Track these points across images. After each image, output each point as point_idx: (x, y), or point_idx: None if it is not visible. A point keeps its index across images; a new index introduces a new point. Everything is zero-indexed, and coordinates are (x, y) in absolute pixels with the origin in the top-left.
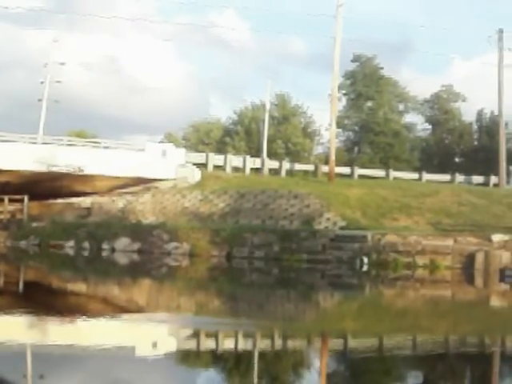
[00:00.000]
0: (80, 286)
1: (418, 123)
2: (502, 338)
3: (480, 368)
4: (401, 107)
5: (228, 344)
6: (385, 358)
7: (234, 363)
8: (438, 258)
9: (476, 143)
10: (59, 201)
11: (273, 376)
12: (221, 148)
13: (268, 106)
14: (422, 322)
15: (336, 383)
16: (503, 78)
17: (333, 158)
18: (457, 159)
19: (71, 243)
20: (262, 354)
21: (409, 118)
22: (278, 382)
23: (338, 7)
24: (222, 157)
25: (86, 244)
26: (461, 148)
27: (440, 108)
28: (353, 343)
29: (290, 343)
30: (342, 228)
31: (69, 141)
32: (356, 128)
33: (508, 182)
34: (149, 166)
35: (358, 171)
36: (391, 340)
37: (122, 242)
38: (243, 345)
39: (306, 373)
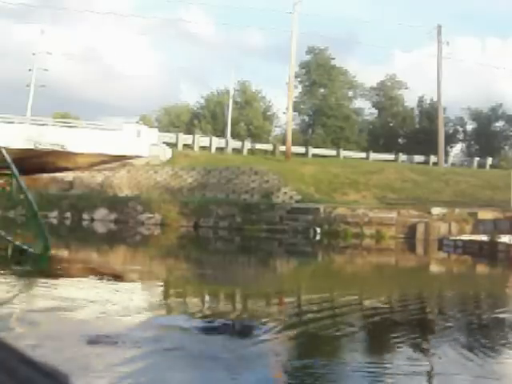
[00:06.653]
0: (63, 252)
1: (365, 108)
2: (437, 295)
3: (416, 315)
4: (350, 94)
5: (196, 298)
6: (334, 308)
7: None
8: (384, 229)
9: (417, 126)
10: (45, 175)
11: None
12: (189, 129)
13: (232, 92)
14: (369, 282)
15: (292, 327)
16: (441, 69)
17: (289, 138)
18: (400, 140)
19: (55, 213)
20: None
21: (357, 103)
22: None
23: (295, 5)
24: (190, 137)
25: (68, 214)
26: (404, 130)
27: (385, 95)
28: (307, 298)
29: (252, 298)
30: (297, 201)
31: (54, 122)
32: (310, 112)
33: (446, 161)
34: (125, 144)
35: (312, 151)
36: (341, 295)
37: (101, 213)
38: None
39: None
